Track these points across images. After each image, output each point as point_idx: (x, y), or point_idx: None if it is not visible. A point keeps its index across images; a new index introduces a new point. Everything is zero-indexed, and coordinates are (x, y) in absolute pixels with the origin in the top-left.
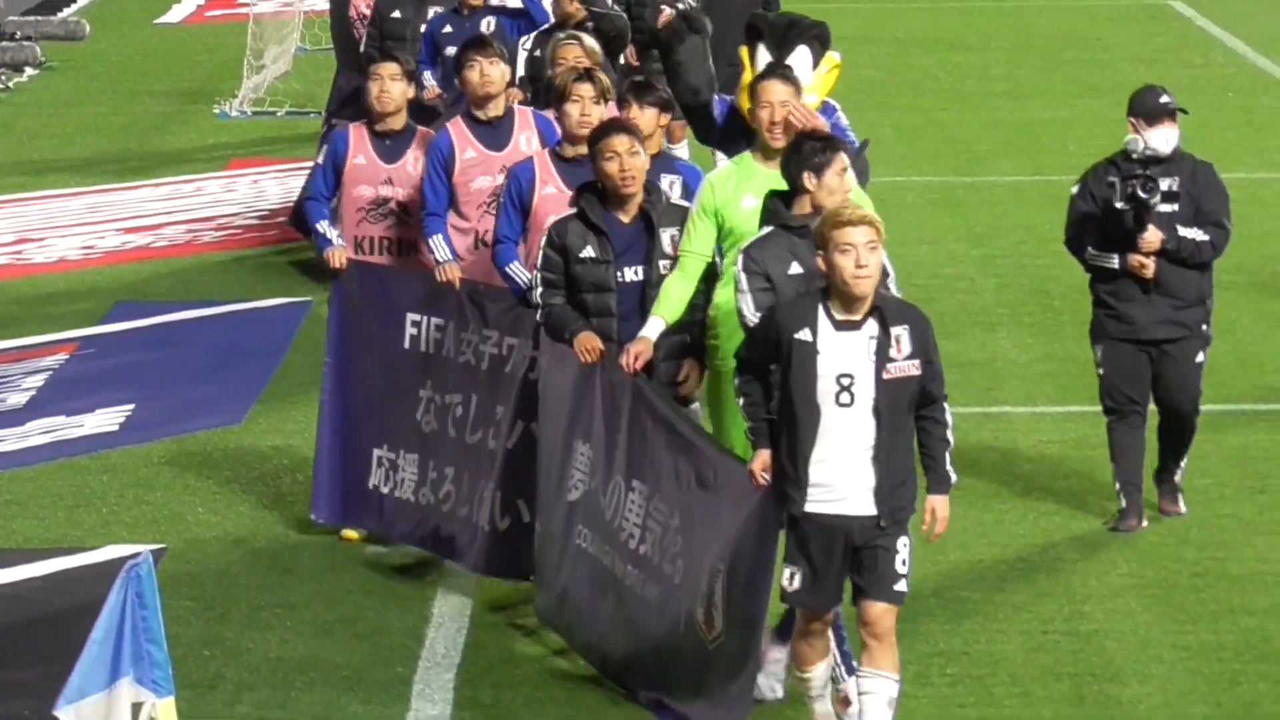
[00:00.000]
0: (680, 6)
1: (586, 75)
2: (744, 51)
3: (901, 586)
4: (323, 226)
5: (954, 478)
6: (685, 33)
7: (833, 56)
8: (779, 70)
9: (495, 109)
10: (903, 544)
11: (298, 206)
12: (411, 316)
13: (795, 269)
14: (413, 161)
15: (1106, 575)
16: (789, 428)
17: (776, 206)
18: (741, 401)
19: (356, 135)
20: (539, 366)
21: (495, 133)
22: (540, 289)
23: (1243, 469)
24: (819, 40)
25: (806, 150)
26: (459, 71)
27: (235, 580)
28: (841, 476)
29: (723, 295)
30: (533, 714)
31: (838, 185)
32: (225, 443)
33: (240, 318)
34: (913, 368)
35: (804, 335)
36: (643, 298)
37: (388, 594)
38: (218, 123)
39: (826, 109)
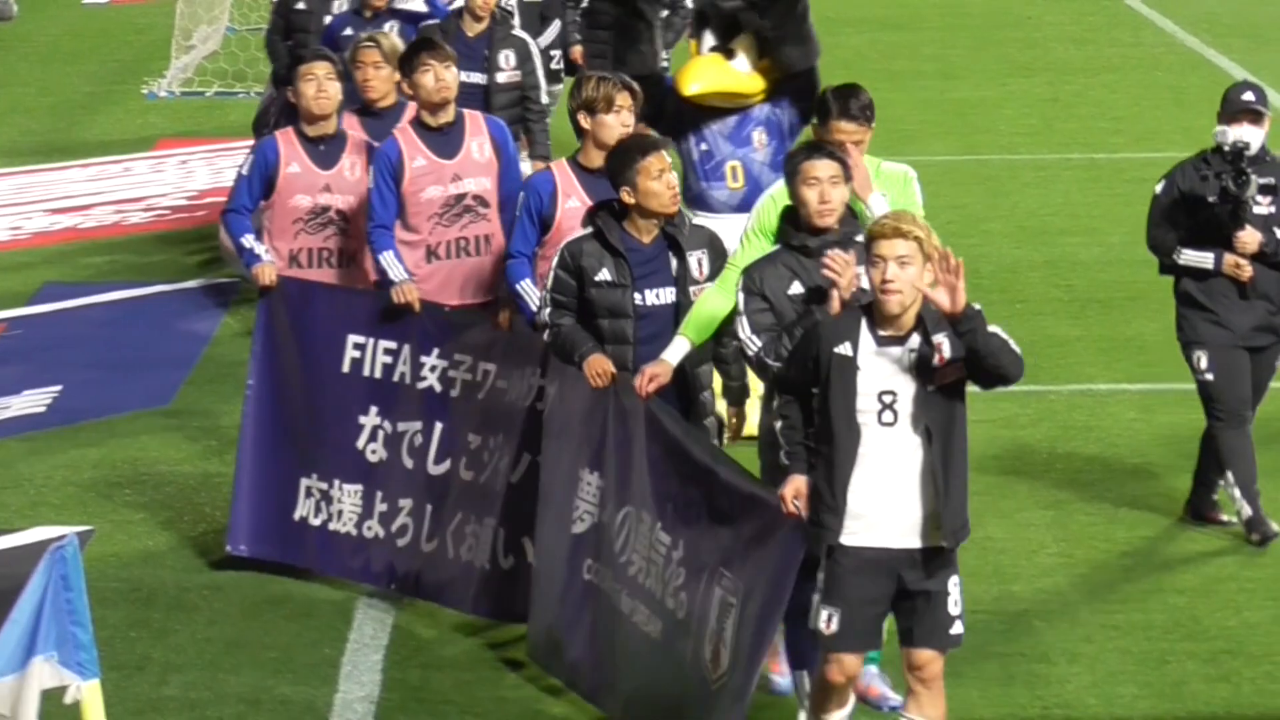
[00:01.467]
0: None
1: (624, 84)
2: (693, 43)
3: (957, 629)
4: (248, 241)
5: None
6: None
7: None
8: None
9: (447, 115)
10: (954, 584)
11: (221, 220)
12: (354, 338)
13: (796, 288)
14: (349, 167)
15: (1035, 555)
16: (827, 450)
17: (784, 225)
18: (779, 425)
19: (286, 142)
20: (546, 395)
21: (446, 140)
22: (549, 309)
23: (1172, 448)
24: (760, 33)
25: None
26: (408, 75)
27: (162, 562)
28: (884, 504)
29: None
30: (460, 696)
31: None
32: (154, 424)
33: (168, 299)
34: (956, 370)
35: (844, 350)
36: (668, 325)
37: (315, 575)
38: (146, 103)
39: (776, 104)
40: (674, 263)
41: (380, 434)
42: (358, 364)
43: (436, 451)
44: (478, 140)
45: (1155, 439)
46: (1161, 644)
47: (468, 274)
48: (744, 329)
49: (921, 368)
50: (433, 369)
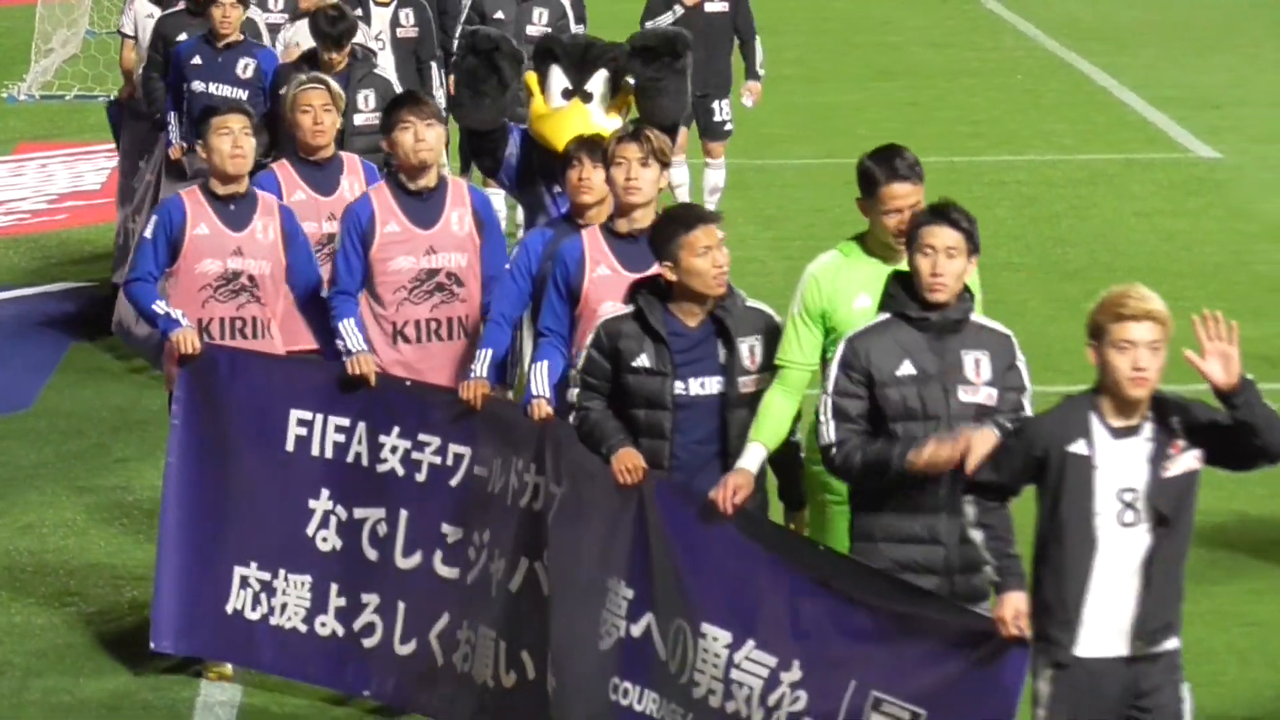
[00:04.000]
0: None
1: (633, 134)
2: (531, 78)
3: None
4: (161, 307)
5: None
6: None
7: (628, 83)
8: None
9: (427, 179)
10: (1186, 690)
11: (125, 291)
12: (298, 414)
13: (906, 369)
14: (262, 229)
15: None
16: (1057, 559)
17: (897, 290)
18: (981, 536)
19: (193, 202)
20: (549, 496)
21: (424, 206)
22: (578, 390)
23: None
24: (616, 63)
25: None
26: (387, 132)
27: (22, 566)
28: (1119, 608)
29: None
30: (318, 714)
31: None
32: (14, 427)
33: (27, 302)
34: (1194, 459)
35: (1078, 448)
36: (711, 418)
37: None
38: (6, 106)
39: None
40: (722, 350)
41: (333, 520)
42: (304, 442)
43: (405, 543)
44: (459, 211)
45: None
46: None
47: (437, 360)
48: (825, 410)
49: (1157, 456)
50: (393, 450)
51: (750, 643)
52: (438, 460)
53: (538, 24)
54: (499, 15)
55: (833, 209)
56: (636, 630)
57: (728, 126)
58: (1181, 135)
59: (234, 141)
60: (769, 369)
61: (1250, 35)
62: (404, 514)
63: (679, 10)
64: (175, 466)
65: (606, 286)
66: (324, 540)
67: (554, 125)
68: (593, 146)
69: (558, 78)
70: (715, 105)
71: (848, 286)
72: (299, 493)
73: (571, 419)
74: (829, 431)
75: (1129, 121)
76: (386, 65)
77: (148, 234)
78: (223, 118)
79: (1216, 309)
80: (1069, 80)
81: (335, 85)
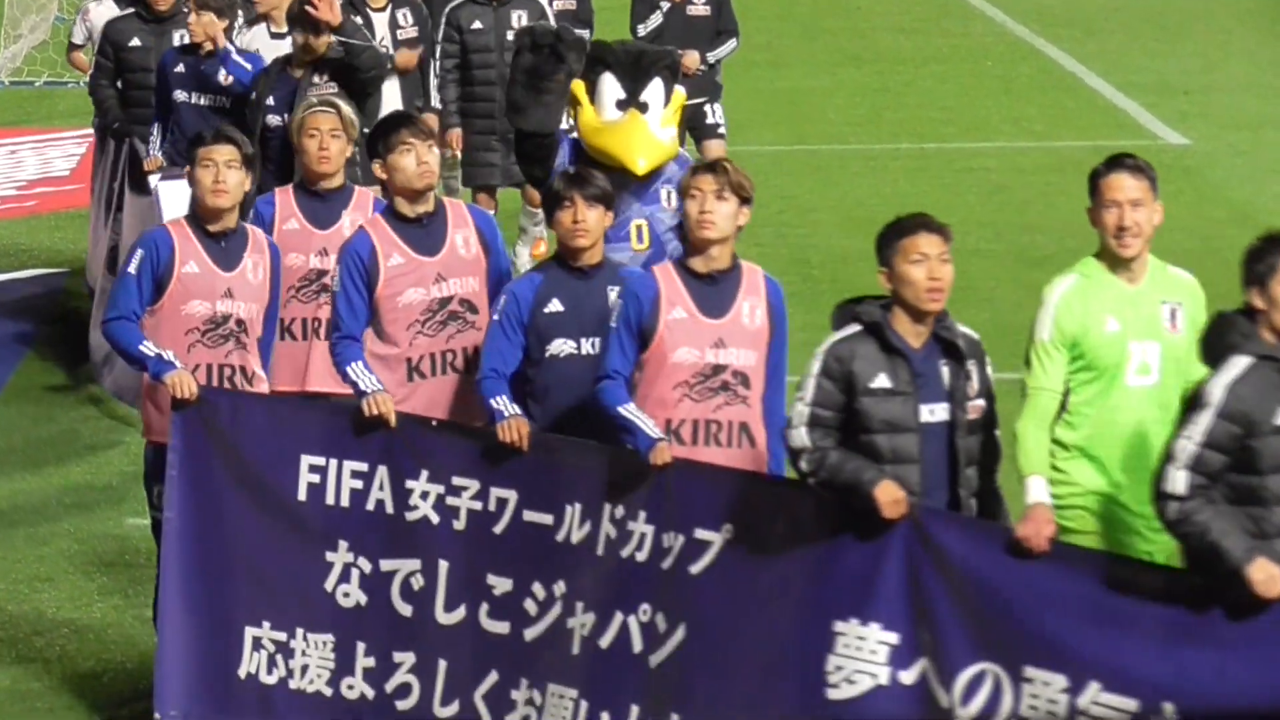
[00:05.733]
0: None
1: (710, 165)
2: (578, 86)
3: None
4: (149, 348)
5: None
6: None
7: (679, 91)
8: (1127, 160)
9: (427, 204)
10: None
11: (104, 331)
12: (310, 459)
13: None
14: (251, 268)
15: None
16: None
17: (1250, 329)
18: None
19: (181, 236)
20: (665, 543)
21: (426, 233)
22: (806, 430)
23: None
24: (670, 71)
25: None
26: (384, 155)
27: None
28: None
29: (1059, 433)
30: None
31: None
32: None
33: None
34: None
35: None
36: (944, 448)
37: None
38: None
39: (680, 158)
40: (947, 374)
41: (355, 574)
42: (317, 490)
43: (447, 596)
44: (462, 233)
45: None
46: None
47: (455, 394)
48: (1177, 460)
49: None
50: (424, 495)
51: (1094, 685)
52: (477, 506)
53: (517, 28)
54: (476, 25)
55: (802, 195)
56: (907, 677)
57: (721, 129)
58: (1151, 122)
59: (216, 175)
60: (985, 395)
61: (1219, 21)
62: (444, 565)
63: (664, 6)
64: (175, 522)
65: (682, 332)
66: (346, 595)
67: (615, 139)
68: (584, 182)
69: (611, 87)
70: (708, 108)
71: (1096, 310)
72: (314, 545)
73: (803, 464)
74: (1180, 478)
75: (1098, 108)
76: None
77: (131, 269)
78: (208, 148)
79: None
80: (1039, 66)
81: (347, 109)
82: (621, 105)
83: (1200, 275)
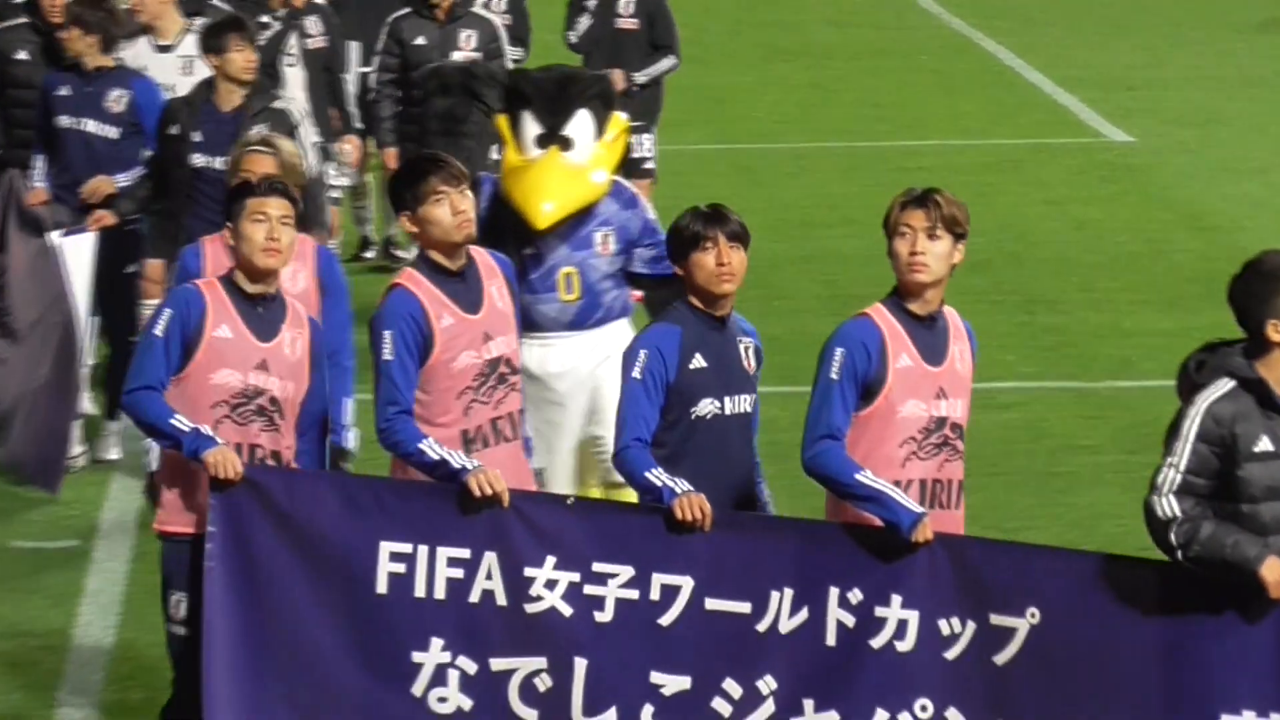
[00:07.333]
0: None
1: (921, 199)
2: (502, 121)
3: None
4: (182, 422)
5: None
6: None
7: (620, 118)
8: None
9: (462, 256)
10: None
11: (125, 404)
12: (391, 547)
13: None
14: (289, 342)
15: None
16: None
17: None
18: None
19: (214, 297)
20: (928, 629)
21: (466, 288)
22: (1176, 499)
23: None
24: (601, 100)
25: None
26: (413, 208)
27: None
28: None
29: None
30: None
31: None
32: None
33: None
34: None
35: None
36: None
37: (34, 591)
38: None
39: (623, 196)
40: None
41: (454, 676)
42: (402, 582)
43: (586, 697)
44: (495, 284)
45: None
46: None
47: (504, 466)
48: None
49: None
50: (549, 585)
51: None
52: (632, 594)
53: (465, 48)
54: (420, 41)
55: (728, 198)
56: None
57: (648, 164)
58: (1093, 118)
59: (270, 231)
60: None
61: (1164, 12)
62: (581, 663)
63: (590, 5)
64: (217, 625)
65: (910, 382)
66: (442, 701)
67: (523, 183)
68: (724, 220)
69: (528, 123)
70: (635, 140)
71: None
72: (399, 645)
73: (1173, 537)
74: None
75: (1038, 104)
76: (295, 81)
77: (157, 331)
78: (260, 200)
79: (1131, 300)
80: (977, 61)
81: (289, 147)
82: (541, 142)
83: (1147, 280)
